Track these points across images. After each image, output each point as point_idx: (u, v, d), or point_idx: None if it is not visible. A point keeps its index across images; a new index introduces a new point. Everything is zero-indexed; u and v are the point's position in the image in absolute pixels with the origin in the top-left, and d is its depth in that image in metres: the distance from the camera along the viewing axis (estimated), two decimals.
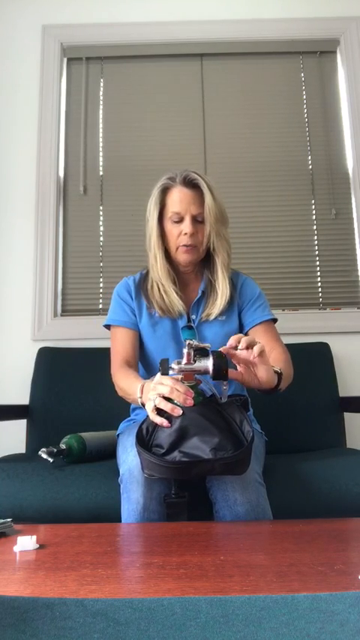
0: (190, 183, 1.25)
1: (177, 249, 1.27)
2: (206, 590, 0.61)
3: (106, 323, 1.35)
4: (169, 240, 1.28)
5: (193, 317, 1.31)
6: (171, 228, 1.27)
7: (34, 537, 0.79)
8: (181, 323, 1.30)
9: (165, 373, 1.00)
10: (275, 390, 1.07)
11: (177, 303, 1.28)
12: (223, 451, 0.91)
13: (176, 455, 0.92)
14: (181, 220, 1.25)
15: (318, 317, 1.94)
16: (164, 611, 0.55)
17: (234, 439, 0.95)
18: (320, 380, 1.70)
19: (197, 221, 1.25)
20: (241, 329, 1.36)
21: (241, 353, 0.98)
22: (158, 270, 1.29)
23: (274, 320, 1.34)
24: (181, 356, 1.01)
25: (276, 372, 1.05)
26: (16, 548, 0.78)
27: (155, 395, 0.98)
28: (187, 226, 1.24)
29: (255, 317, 1.31)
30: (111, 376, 1.27)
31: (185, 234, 1.24)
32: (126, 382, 1.18)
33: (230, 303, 1.31)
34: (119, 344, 1.29)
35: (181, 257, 1.28)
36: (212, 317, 1.29)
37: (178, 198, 1.25)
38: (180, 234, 1.25)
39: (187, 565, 0.69)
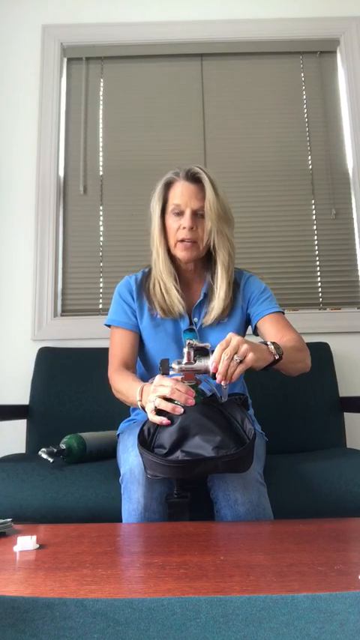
0: (193, 177, 1.23)
1: (176, 244, 1.25)
2: (206, 590, 0.61)
3: (106, 323, 1.34)
4: (169, 234, 1.26)
5: (195, 320, 1.29)
6: (171, 223, 1.24)
7: (34, 537, 0.79)
8: (183, 325, 1.28)
9: (165, 373, 1.00)
10: (274, 364, 1.05)
11: (177, 302, 1.25)
12: (225, 449, 0.91)
13: (179, 454, 0.92)
14: (181, 214, 1.23)
15: (318, 317, 1.94)
16: (164, 611, 0.55)
17: (236, 437, 0.96)
18: (320, 380, 1.70)
19: (198, 216, 1.23)
20: (247, 324, 1.34)
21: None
22: (160, 266, 1.27)
23: (282, 312, 1.31)
24: (181, 357, 1.01)
25: (268, 345, 1.04)
26: (16, 548, 0.77)
27: (155, 397, 0.98)
28: (186, 220, 1.22)
29: (262, 309, 1.28)
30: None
31: (184, 227, 1.22)
32: (124, 385, 1.17)
33: (232, 305, 1.28)
34: (117, 346, 1.28)
35: (180, 253, 1.25)
36: (212, 321, 1.26)
37: (180, 192, 1.23)
38: (179, 228, 1.23)
39: (188, 565, 0.69)
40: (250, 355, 0.95)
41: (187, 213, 1.22)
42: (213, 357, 0.95)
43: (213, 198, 1.21)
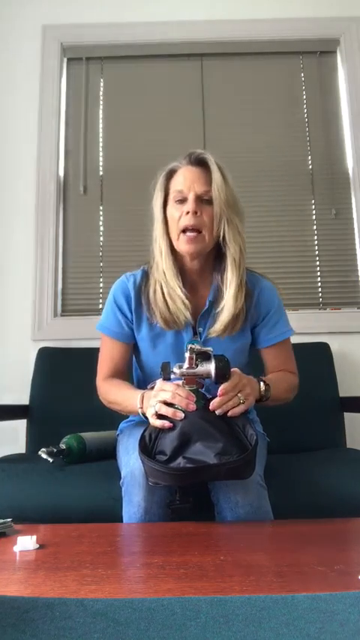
0: (197, 161, 1.13)
1: (178, 236, 1.11)
2: (206, 590, 0.61)
3: (97, 328, 1.23)
4: (171, 226, 1.12)
5: (200, 330, 1.16)
6: (173, 212, 1.12)
7: (34, 537, 0.79)
8: (187, 336, 1.15)
9: (167, 378, 0.99)
10: (260, 401, 1.08)
11: (183, 308, 1.11)
12: (227, 456, 0.89)
13: (180, 461, 0.90)
14: (184, 200, 1.11)
15: (318, 317, 1.94)
16: (164, 611, 0.55)
17: (238, 443, 0.94)
18: (320, 380, 1.70)
19: (203, 202, 1.10)
20: (253, 343, 1.23)
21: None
22: (163, 264, 1.13)
23: (289, 335, 1.23)
24: (183, 361, 1.00)
25: (261, 387, 1.08)
26: (16, 548, 0.77)
27: (156, 401, 0.97)
28: (189, 204, 1.09)
29: (269, 337, 1.20)
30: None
31: (187, 213, 1.09)
32: (120, 395, 1.13)
33: (244, 317, 1.15)
34: (107, 356, 1.20)
35: (183, 247, 1.11)
36: (221, 332, 1.13)
37: (182, 177, 1.12)
38: (181, 215, 1.10)
39: (188, 565, 0.69)
40: (250, 399, 1.01)
41: (191, 197, 1.09)
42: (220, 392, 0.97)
43: (221, 181, 1.09)
